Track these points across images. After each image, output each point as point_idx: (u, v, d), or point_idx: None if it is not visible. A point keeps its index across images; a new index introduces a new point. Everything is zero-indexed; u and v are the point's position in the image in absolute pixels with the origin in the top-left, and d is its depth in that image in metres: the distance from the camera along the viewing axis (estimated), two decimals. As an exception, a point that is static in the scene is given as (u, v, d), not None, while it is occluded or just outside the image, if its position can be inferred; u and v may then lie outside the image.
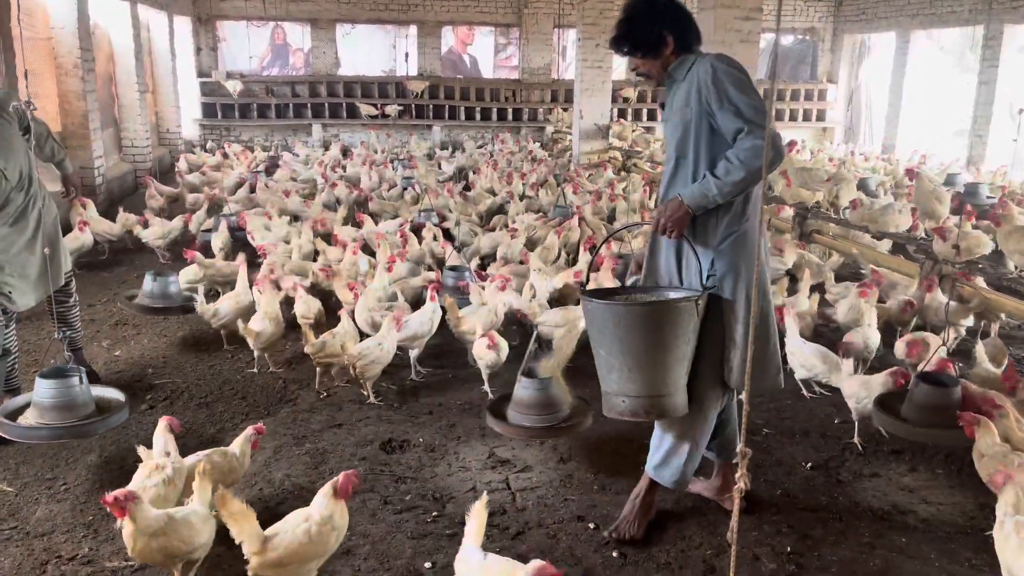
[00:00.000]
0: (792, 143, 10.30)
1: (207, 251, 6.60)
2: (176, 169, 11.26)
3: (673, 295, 2.92)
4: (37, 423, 3.34)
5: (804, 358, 4.33)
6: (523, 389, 3.53)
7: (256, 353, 4.79)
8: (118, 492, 2.53)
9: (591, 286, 4.39)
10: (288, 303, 5.28)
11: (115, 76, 11.78)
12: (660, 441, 3.07)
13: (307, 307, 5.14)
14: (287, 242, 6.69)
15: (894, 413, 3.51)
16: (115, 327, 5.65)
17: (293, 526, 2.60)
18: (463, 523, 3.19)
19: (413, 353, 4.76)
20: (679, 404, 2.81)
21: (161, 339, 5.40)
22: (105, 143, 10.16)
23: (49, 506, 3.32)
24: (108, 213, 8.10)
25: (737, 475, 1.43)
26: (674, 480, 3.05)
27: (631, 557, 3.00)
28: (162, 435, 3.02)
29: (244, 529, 2.52)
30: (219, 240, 6.76)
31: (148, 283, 5.24)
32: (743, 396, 1.52)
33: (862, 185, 8.94)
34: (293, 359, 4.99)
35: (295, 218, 8.08)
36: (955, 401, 3.38)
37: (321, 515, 2.61)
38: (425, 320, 4.73)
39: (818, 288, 5.72)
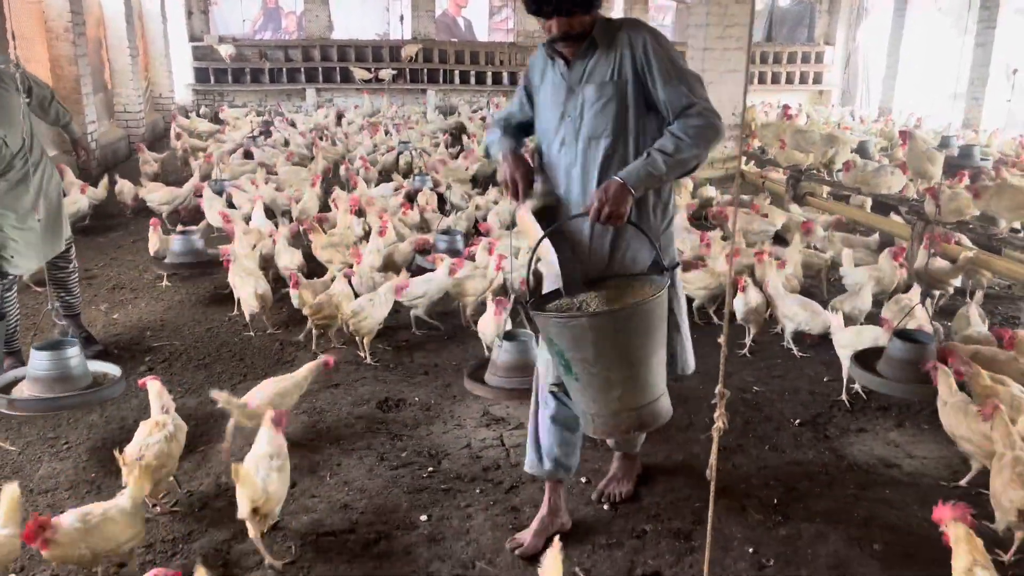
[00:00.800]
0: (786, 108, 10.28)
1: (201, 217, 6.66)
2: (174, 130, 11.18)
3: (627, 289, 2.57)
4: (31, 395, 3.33)
5: (786, 308, 4.54)
6: (505, 353, 3.57)
7: (248, 315, 4.83)
8: (35, 523, 2.36)
9: None
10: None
11: (106, 40, 11.65)
12: None
13: (290, 257, 5.30)
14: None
15: (870, 368, 3.60)
16: (112, 291, 5.68)
17: (267, 471, 2.68)
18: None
19: (415, 312, 4.82)
20: (668, 401, 2.53)
21: (158, 302, 5.44)
22: (97, 108, 10.09)
23: (52, 464, 3.38)
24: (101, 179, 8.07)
25: (716, 414, 1.49)
26: (635, 448, 3.22)
27: (622, 509, 3.07)
28: (157, 395, 3.07)
29: (255, 491, 2.60)
30: (216, 205, 6.77)
31: (175, 243, 5.55)
32: (721, 340, 1.56)
33: (861, 149, 8.93)
34: (289, 321, 5.04)
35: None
36: (930, 358, 3.44)
37: (279, 452, 2.76)
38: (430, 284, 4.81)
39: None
